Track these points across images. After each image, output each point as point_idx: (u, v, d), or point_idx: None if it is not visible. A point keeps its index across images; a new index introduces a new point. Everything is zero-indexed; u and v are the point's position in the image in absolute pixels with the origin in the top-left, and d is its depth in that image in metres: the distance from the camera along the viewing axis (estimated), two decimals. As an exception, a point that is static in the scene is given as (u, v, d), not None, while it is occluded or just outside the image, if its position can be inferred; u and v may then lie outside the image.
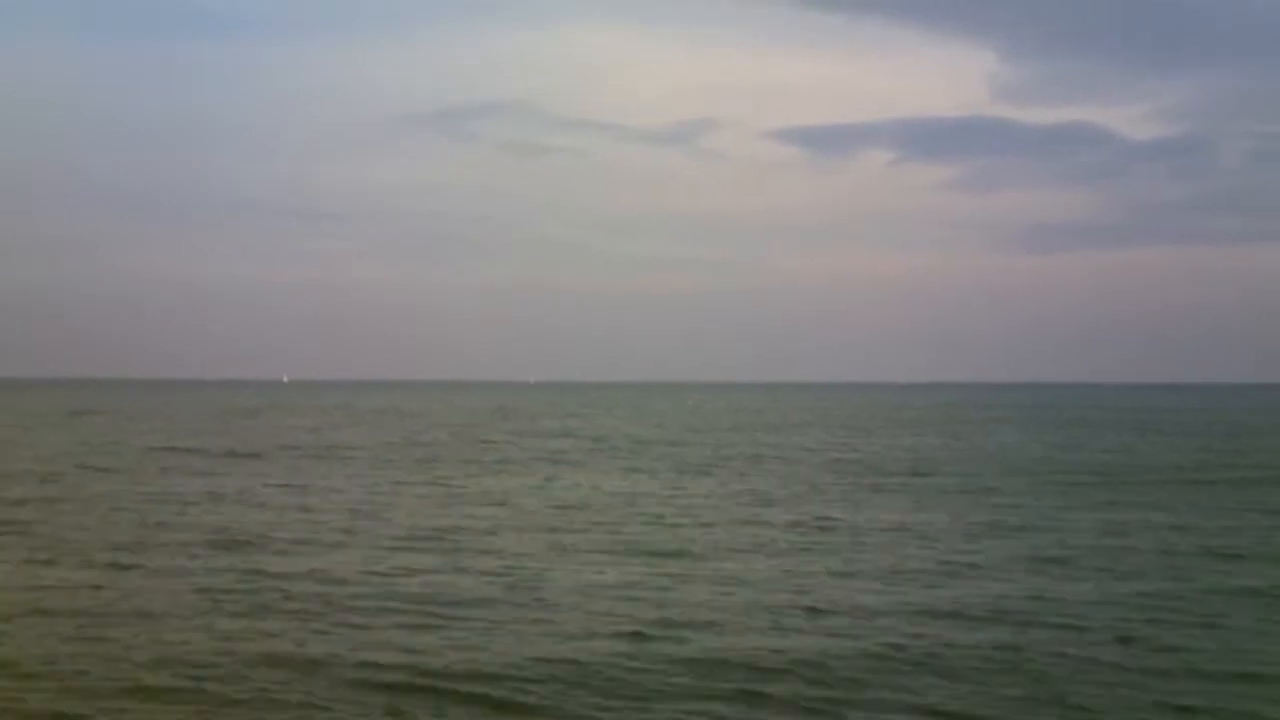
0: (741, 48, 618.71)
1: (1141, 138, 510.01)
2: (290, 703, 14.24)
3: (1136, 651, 16.69)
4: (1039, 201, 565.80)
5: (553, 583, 21.88)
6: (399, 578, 22.26)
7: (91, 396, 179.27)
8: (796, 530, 29.46)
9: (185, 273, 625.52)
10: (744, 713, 13.97)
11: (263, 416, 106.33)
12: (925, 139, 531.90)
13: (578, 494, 38.42)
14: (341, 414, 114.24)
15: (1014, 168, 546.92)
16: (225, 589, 21.02)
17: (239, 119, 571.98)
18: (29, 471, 44.68)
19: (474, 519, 31.51)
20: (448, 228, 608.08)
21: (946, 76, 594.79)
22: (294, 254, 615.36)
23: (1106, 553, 25.64)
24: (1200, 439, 72.39)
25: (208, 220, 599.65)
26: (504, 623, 18.46)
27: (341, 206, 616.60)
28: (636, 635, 17.54)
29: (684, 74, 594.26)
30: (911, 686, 14.93)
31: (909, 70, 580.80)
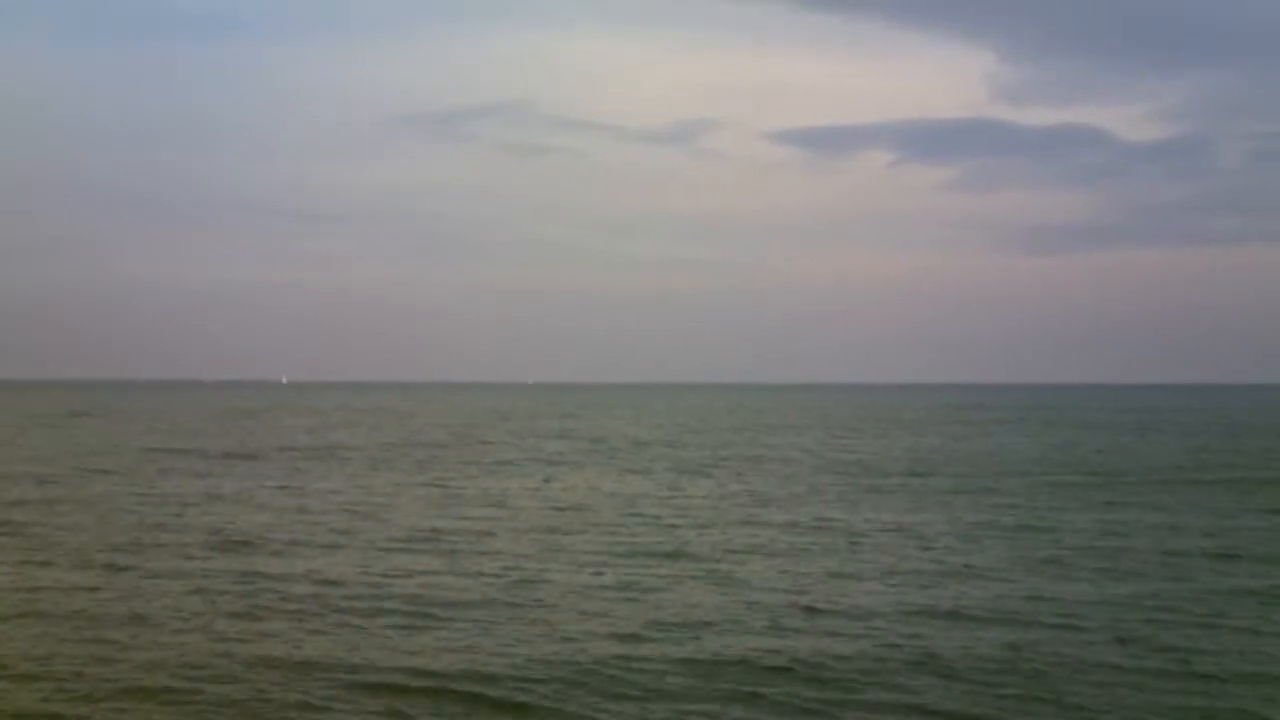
0: (741, 48, 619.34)
1: (1141, 138, 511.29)
2: (288, 704, 14.22)
3: (1134, 652, 16.67)
4: (1039, 202, 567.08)
5: (550, 584, 21.86)
6: (397, 579, 22.24)
7: (90, 397, 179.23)
8: (794, 531, 29.44)
9: (185, 273, 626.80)
10: (742, 713, 13.96)
11: (261, 417, 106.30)
12: (925, 140, 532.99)
13: (576, 495, 38.40)
14: (340, 415, 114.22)
15: (1014, 168, 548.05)
16: (223, 590, 21.00)
17: (239, 119, 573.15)
18: (27, 473, 44.65)
19: (472, 520, 31.49)
20: (448, 228, 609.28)
21: (946, 77, 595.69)
22: (294, 254, 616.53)
23: (1104, 553, 25.62)
24: (1199, 439, 72.38)
25: (207, 220, 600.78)
26: (502, 624, 18.44)
27: (341, 206, 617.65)
28: (634, 636, 17.53)
29: (684, 74, 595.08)
30: (909, 687, 14.92)
31: (908, 71, 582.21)
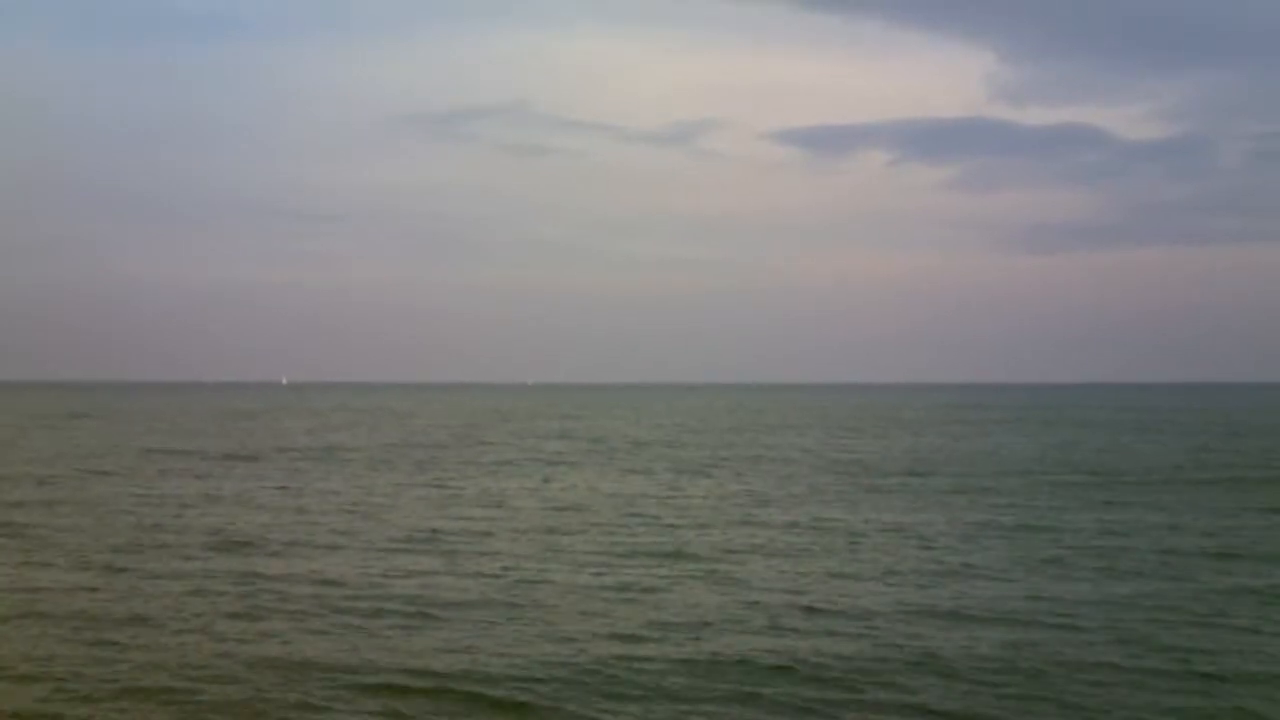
0: (741, 48, 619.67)
1: (1141, 138, 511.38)
2: (288, 704, 14.22)
3: (1134, 651, 16.67)
4: (1038, 202, 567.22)
5: (550, 584, 21.86)
6: (397, 579, 22.24)
7: (90, 398, 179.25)
8: (794, 531, 29.44)
9: (185, 273, 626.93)
10: (742, 713, 13.96)
11: (261, 418, 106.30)
12: (924, 139, 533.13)
13: (575, 495, 38.40)
14: (339, 416, 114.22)
15: (1013, 168, 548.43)
16: (222, 591, 21.01)
17: (238, 119, 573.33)
18: (27, 474, 44.66)
19: (472, 520, 31.49)
20: (448, 228, 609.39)
21: (945, 77, 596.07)
22: (294, 254, 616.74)
23: (1104, 553, 25.62)
24: (1199, 439, 72.37)
25: (207, 220, 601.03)
26: (501, 624, 18.45)
27: (341, 206, 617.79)
28: (634, 636, 17.53)
29: (683, 75, 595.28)
30: (909, 687, 14.92)
31: (908, 71, 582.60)
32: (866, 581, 22.17)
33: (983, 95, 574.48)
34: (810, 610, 19.41)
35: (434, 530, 29.17)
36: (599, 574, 22.98)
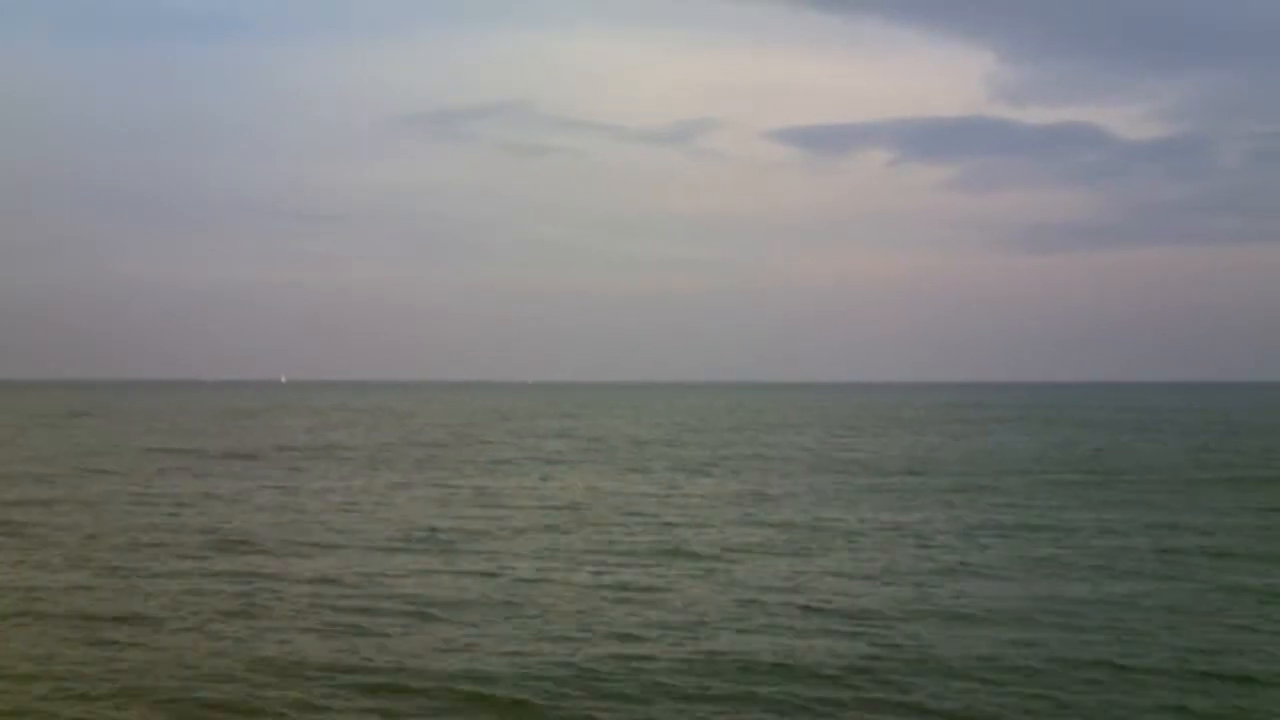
0: (740, 48, 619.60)
1: (1141, 138, 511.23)
2: (286, 703, 14.21)
3: (1133, 650, 16.65)
4: (1038, 201, 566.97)
5: (549, 583, 21.86)
6: (395, 578, 22.24)
7: (90, 397, 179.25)
8: (793, 530, 29.42)
9: (185, 273, 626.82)
10: (739, 712, 13.95)
11: (260, 417, 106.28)
12: (924, 139, 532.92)
13: (574, 494, 38.38)
14: (339, 415, 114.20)
15: (1013, 168, 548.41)
16: (221, 590, 21.00)
17: (238, 119, 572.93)
18: (26, 472, 44.65)
19: (470, 519, 31.48)
20: (448, 228, 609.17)
21: (945, 77, 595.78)
22: (294, 254, 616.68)
23: (1103, 552, 25.62)
24: (1198, 438, 72.37)
25: (207, 220, 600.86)
26: (500, 623, 18.44)
27: (341, 206, 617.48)
28: (632, 635, 17.53)
29: (683, 74, 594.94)
30: (907, 686, 14.91)
31: (908, 70, 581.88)
32: (865, 580, 22.16)
33: (983, 95, 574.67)
34: (809, 609, 19.40)
35: (433, 529, 29.16)
36: (597, 573, 22.98)
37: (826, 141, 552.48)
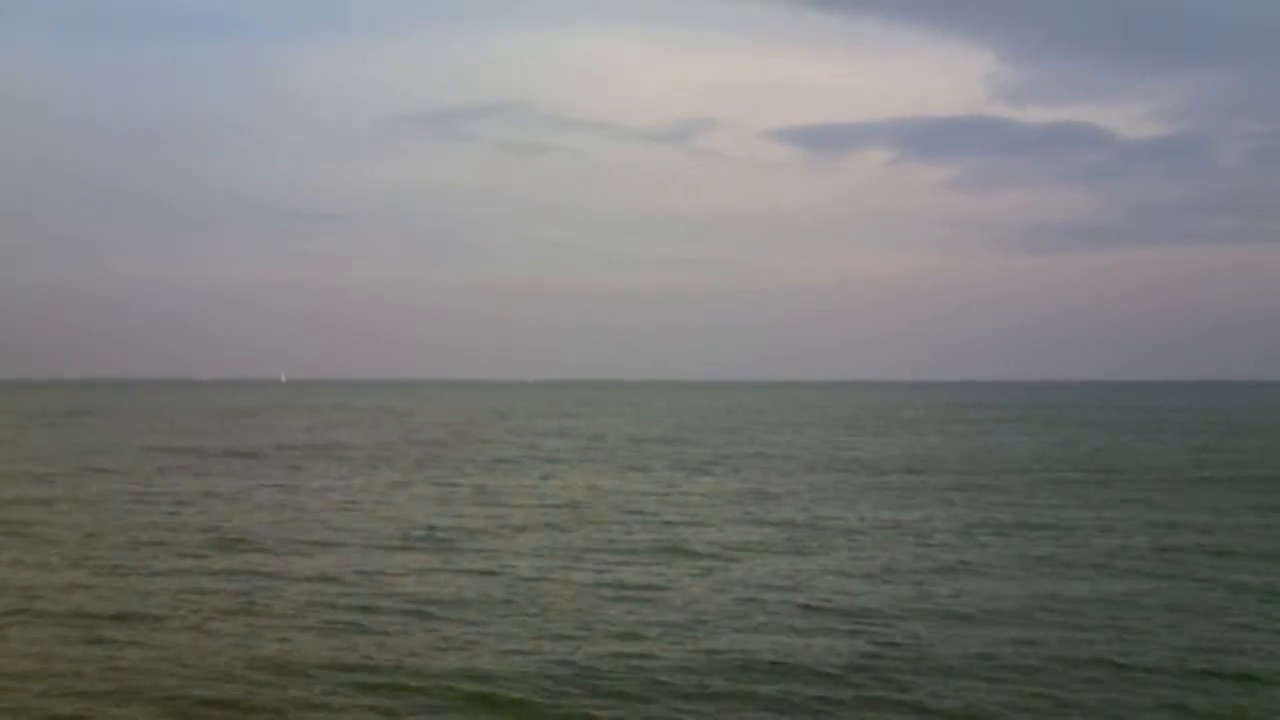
0: (740, 48, 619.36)
1: (1141, 137, 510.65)
2: (285, 702, 14.21)
3: (1132, 649, 16.65)
4: (1038, 201, 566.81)
5: (548, 582, 21.85)
6: (395, 577, 22.23)
7: (89, 396, 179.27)
8: (792, 529, 29.42)
9: (185, 273, 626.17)
10: (738, 711, 13.94)
11: (260, 416, 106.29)
12: (924, 138, 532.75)
13: (574, 493, 38.38)
14: (339, 414, 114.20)
15: (1013, 167, 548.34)
16: (220, 589, 20.99)
17: (238, 119, 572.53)
18: (26, 471, 44.66)
19: (470, 518, 31.48)
20: (448, 228, 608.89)
21: (945, 76, 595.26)
22: (294, 254, 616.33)
23: (1103, 551, 25.61)
24: (1198, 438, 72.36)
25: (207, 220, 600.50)
26: (499, 622, 18.43)
27: (341, 206, 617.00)
28: (631, 634, 17.52)
29: (682, 74, 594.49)
30: (906, 685, 14.91)
31: (907, 70, 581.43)
32: (865, 579, 22.16)
33: (983, 95, 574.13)
34: (808, 608, 19.40)
35: (432, 528, 29.16)
36: (597, 571, 22.97)
37: (826, 141, 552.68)
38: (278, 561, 24.09)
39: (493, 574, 22.64)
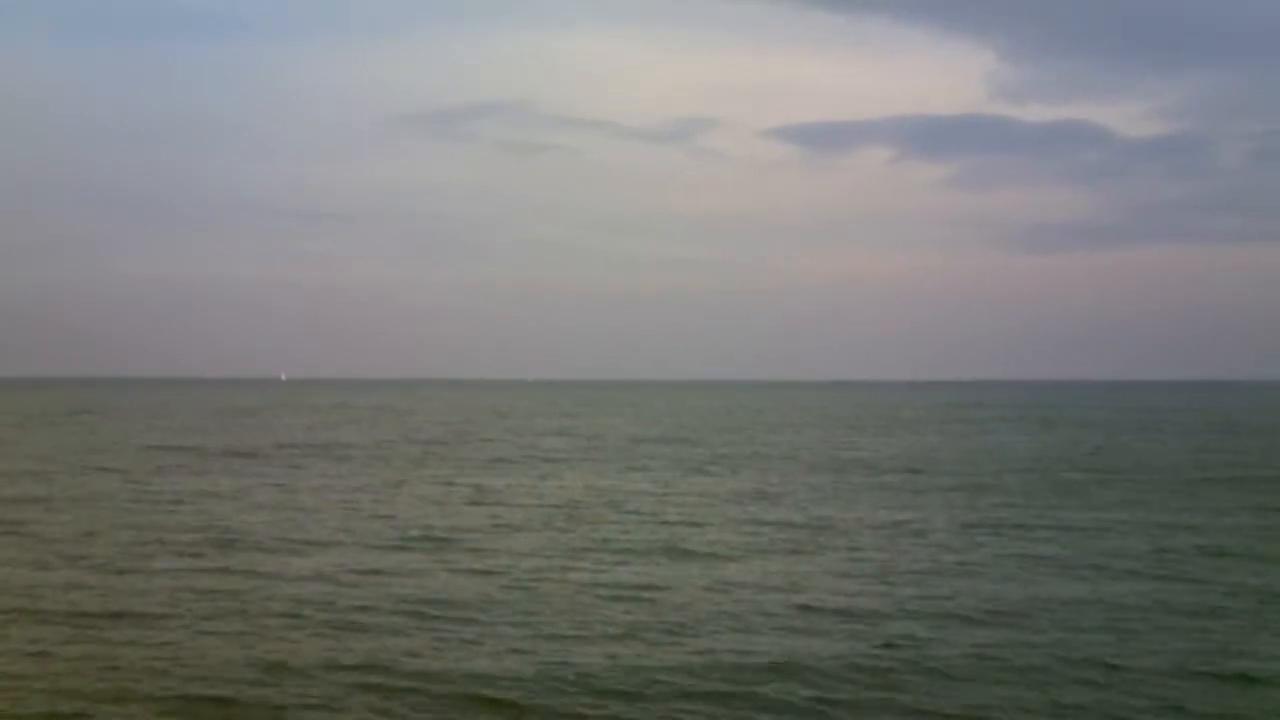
0: (739, 47, 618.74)
1: (1141, 137, 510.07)
2: (284, 702, 14.20)
3: (1131, 650, 16.65)
4: (1038, 200, 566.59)
5: (547, 581, 21.84)
6: (393, 577, 22.22)
7: (89, 395, 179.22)
8: (791, 529, 29.41)
9: (185, 272, 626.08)
10: (736, 712, 13.93)
11: (260, 415, 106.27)
12: (924, 137, 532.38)
13: (573, 493, 38.37)
14: (339, 413, 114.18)
15: (1013, 166, 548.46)
16: (219, 588, 20.98)
17: (238, 119, 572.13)
18: (25, 471, 44.64)
19: (469, 518, 31.48)
20: (448, 228, 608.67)
21: (945, 75, 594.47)
22: (294, 254, 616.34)
23: (1102, 551, 25.61)
24: (1198, 438, 72.35)
25: (207, 220, 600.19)
26: (497, 622, 18.42)
27: (341, 206, 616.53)
28: (630, 634, 17.51)
29: (682, 73, 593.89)
30: (905, 685, 14.91)
31: (908, 69, 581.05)
32: (863, 579, 22.15)
33: (983, 93, 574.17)
34: (807, 608, 19.39)
35: (430, 528, 29.15)
36: (595, 572, 22.97)
37: (826, 139, 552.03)
38: (277, 561, 24.08)
39: (491, 574, 22.64)
